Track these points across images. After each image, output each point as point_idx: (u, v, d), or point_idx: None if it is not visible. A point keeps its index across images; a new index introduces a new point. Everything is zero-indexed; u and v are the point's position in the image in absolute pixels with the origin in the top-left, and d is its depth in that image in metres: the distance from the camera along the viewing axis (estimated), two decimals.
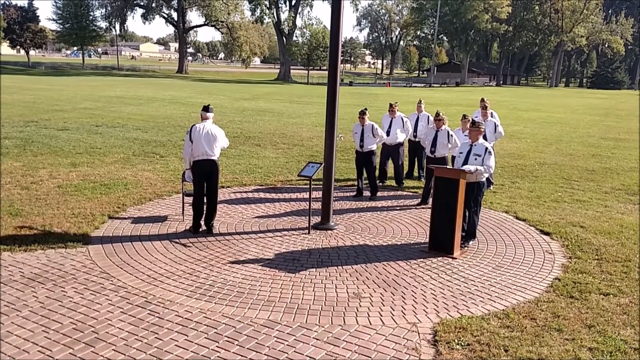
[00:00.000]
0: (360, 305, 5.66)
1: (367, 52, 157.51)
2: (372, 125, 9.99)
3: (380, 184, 11.18)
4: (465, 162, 7.48)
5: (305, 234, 7.98)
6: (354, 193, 10.43)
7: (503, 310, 5.61)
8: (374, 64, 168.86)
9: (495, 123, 11.23)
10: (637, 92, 75.91)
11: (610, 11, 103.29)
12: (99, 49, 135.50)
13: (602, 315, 5.54)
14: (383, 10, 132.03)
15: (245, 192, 10.44)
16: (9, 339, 4.73)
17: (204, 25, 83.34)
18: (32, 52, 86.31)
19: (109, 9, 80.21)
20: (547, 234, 8.33)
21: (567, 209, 9.85)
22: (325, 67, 70.15)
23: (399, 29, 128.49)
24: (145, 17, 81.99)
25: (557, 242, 7.96)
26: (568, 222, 8.93)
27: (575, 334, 5.11)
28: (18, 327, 4.94)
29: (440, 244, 7.27)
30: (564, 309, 5.64)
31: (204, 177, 7.74)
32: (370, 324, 5.26)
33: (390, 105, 11.27)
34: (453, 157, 9.32)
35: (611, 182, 12.44)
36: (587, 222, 9.00)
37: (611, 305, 5.79)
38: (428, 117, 11.60)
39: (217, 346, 4.74)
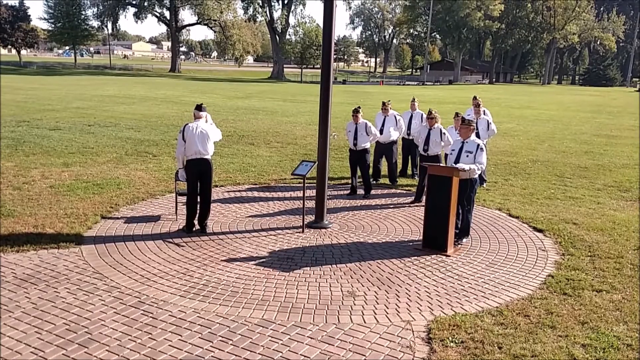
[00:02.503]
0: (354, 304, 5.66)
1: (361, 50, 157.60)
2: (366, 123, 9.99)
3: (374, 182, 11.19)
4: (458, 160, 7.50)
5: (299, 232, 7.97)
6: (348, 191, 10.43)
7: (497, 307, 5.63)
8: (367, 62, 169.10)
9: (487, 120, 11.25)
10: (630, 90, 76.22)
11: (602, 8, 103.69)
12: (91, 48, 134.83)
13: (595, 311, 5.56)
14: (376, 9, 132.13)
15: (239, 191, 10.42)
16: (2, 340, 4.70)
17: (197, 24, 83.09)
18: (23, 52, 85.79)
19: (101, 7, 79.85)
20: (540, 231, 8.36)
21: (560, 206, 9.89)
22: (318, 66, 70.00)
23: (392, 27, 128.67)
24: (137, 16, 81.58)
25: (550, 239, 7.99)
26: (561, 219, 8.97)
27: (569, 331, 5.13)
28: (11, 328, 4.91)
29: (433, 241, 7.28)
30: (557, 306, 5.67)
31: (198, 177, 7.72)
32: (365, 322, 5.27)
33: (383, 103, 11.27)
34: (446, 155, 9.33)
35: (604, 179, 12.50)
36: (579, 219, 9.04)
37: (604, 301, 5.82)
38: (422, 115, 11.61)
39: (211, 346, 4.73)
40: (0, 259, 6.54)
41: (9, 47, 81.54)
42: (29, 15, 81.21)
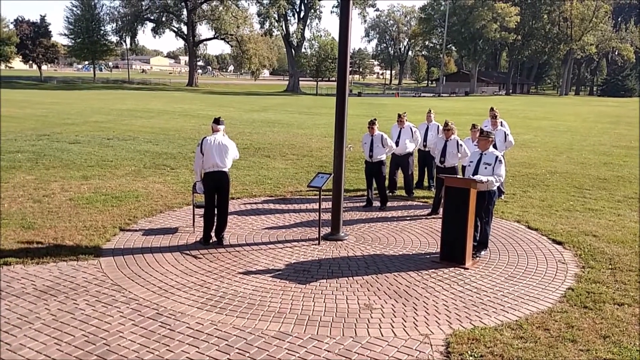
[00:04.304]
0: (371, 317, 5.62)
1: (376, 62, 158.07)
2: (382, 135, 10.00)
3: (390, 194, 11.15)
4: (476, 172, 7.46)
5: (316, 244, 7.96)
6: (364, 203, 10.41)
7: (516, 320, 5.56)
8: (382, 74, 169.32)
9: (505, 132, 11.19)
10: None
11: (619, 19, 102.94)
12: (110, 63, 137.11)
13: (617, 325, 5.46)
14: (391, 21, 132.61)
15: (255, 203, 10.46)
16: (21, 351, 4.75)
17: (214, 38, 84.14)
18: (44, 67, 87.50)
19: (120, 23, 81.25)
20: (559, 243, 8.26)
21: (580, 218, 9.76)
22: (334, 78, 70.33)
23: (407, 40, 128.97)
24: (155, 31, 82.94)
25: (570, 251, 7.88)
26: (580, 231, 8.85)
27: (590, 345, 5.04)
28: (31, 339, 4.96)
29: (451, 254, 7.22)
30: (578, 320, 5.58)
31: (215, 189, 7.77)
32: (382, 335, 5.23)
33: (399, 115, 11.27)
34: (463, 167, 9.28)
35: (624, 191, 12.32)
36: (599, 231, 8.91)
37: (626, 315, 5.71)
38: (438, 126, 11.58)
39: (228, 358, 4.73)
40: (2, 270, 6.63)
41: (30, 62, 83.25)
42: (50, 32, 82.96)
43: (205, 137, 7.75)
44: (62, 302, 5.78)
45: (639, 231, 8.94)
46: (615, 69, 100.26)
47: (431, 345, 5.05)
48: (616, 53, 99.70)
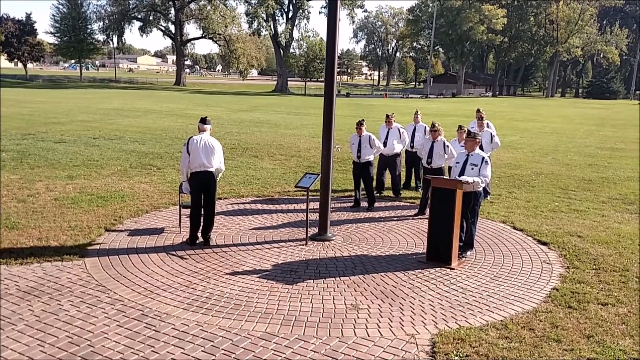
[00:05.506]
0: (358, 317, 5.63)
1: (364, 63, 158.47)
2: (369, 136, 10.02)
3: (378, 194, 11.18)
4: (462, 172, 7.50)
5: (303, 245, 7.96)
6: (352, 204, 10.43)
7: (501, 321, 5.60)
8: (370, 75, 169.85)
9: (491, 133, 11.27)
10: (634, 102, 76.20)
11: (604, 22, 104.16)
12: (97, 62, 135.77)
13: (600, 325, 5.52)
14: (379, 22, 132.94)
15: (243, 203, 10.43)
16: (4, 353, 4.69)
17: (202, 37, 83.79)
18: (29, 65, 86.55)
19: (107, 22, 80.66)
20: (544, 243, 8.33)
21: (565, 219, 9.86)
22: (322, 79, 70.40)
23: (395, 41, 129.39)
24: (142, 30, 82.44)
25: (555, 252, 7.95)
26: (565, 232, 8.93)
27: (574, 345, 5.09)
28: (14, 341, 4.90)
29: (437, 254, 7.26)
30: (563, 319, 5.63)
31: (202, 189, 7.74)
32: (369, 335, 5.24)
33: (387, 116, 11.30)
34: (450, 168, 9.33)
35: (608, 192, 12.46)
36: (584, 231, 9.00)
37: (610, 315, 5.78)
38: (425, 127, 11.63)
39: (214, 359, 4.71)
40: (1, 270, 6.55)
41: (16, 60, 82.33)
42: (36, 29, 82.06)
43: (191, 137, 7.71)
44: (45, 303, 5.72)
45: (637, 233, 9.04)
46: (600, 71, 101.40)
47: (417, 345, 5.07)
48: (601, 55, 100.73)
